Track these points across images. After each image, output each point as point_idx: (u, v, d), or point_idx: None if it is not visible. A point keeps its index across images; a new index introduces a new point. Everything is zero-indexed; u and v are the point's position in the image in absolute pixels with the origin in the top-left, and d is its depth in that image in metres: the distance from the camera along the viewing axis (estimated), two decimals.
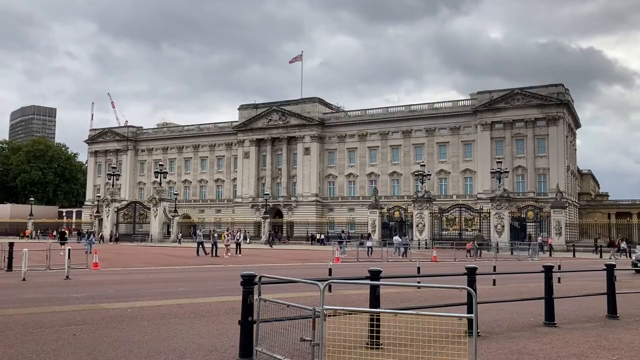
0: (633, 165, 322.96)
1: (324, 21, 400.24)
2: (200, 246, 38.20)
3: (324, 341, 6.09)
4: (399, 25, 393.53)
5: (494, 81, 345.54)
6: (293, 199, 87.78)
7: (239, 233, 41.27)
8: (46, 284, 17.84)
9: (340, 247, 39.79)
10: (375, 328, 7.51)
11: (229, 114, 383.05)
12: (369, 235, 54.91)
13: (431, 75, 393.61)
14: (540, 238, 52.34)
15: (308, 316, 6.28)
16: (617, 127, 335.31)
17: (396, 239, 44.71)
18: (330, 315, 7.09)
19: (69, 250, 19.84)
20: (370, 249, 42.10)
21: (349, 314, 7.97)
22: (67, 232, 61.97)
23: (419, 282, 13.68)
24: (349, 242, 51.34)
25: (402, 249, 41.49)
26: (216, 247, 37.22)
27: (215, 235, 39.79)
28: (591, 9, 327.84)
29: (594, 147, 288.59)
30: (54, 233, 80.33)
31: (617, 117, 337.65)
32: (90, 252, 29.92)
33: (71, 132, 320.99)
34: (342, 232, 56.59)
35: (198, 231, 45.06)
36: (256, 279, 7.22)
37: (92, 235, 44.87)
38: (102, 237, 65.35)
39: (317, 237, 69.18)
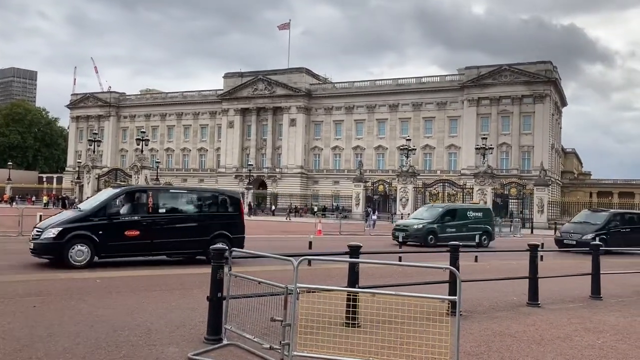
0: (613, 145, 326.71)
1: None
2: None
3: (296, 321, 5.67)
4: None
5: (476, 57, 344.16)
6: (277, 170, 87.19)
7: None
8: (15, 251, 17.18)
9: (367, 220, 40.03)
10: (352, 305, 7.13)
11: (211, 82, 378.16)
12: (375, 209, 54.01)
13: (413, 49, 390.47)
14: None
15: (280, 293, 5.86)
16: (598, 107, 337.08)
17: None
18: (305, 292, 6.67)
19: (40, 216, 19.18)
20: (374, 223, 41.59)
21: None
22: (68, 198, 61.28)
23: (400, 258, 13.36)
24: (331, 214, 51.04)
25: None
26: None
27: None
28: None
29: (575, 125, 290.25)
30: (33, 198, 79.19)
31: (598, 97, 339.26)
32: None
33: (49, 96, 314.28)
34: (369, 206, 56.25)
35: None
36: (227, 253, 6.77)
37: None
38: None
39: (272, 208, 67.76)
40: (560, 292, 12.09)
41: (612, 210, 30.26)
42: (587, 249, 20.90)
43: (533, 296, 10.33)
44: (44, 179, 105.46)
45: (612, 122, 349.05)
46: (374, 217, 44.89)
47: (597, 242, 21.49)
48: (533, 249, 10.48)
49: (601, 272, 11.76)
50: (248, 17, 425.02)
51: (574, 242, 24.30)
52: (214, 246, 6.88)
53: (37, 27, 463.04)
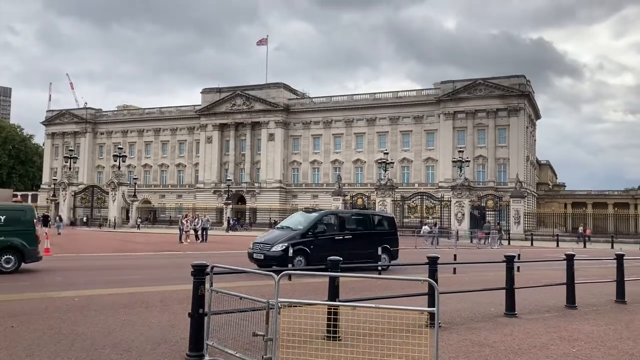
0: (585, 156, 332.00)
1: (278, 5, 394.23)
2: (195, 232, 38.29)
3: (278, 335, 5.73)
4: (352, 10, 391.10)
5: (449, 71, 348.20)
6: (256, 185, 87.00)
7: (196, 219, 39.97)
8: None
9: None
10: (333, 319, 7.20)
11: (186, 98, 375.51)
12: None
13: (387, 64, 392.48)
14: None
15: (262, 308, 5.92)
16: (569, 119, 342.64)
17: (425, 228, 44.20)
18: (286, 306, 6.73)
19: None
20: None
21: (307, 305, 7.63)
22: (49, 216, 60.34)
23: (379, 271, 13.46)
24: None
25: (432, 238, 40.31)
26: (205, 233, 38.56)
27: (206, 220, 40.95)
28: (540, 2, 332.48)
29: (546, 137, 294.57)
30: None
31: (569, 109, 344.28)
32: (60, 234, 40.51)
33: (22, 112, 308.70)
34: None
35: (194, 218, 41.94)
36: (208, 269, 6.81)
37: (61, 219, 49.81)
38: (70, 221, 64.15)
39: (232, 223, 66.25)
40: (537, 302, 12.31)
41: (324, 210, 22.91)
42: (275, 266, 16.06)
43: (510, 307, 10.52)
44: (19, 197, 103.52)
45: (583, 134, 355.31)
46: None
47: (290, 254, 16.60)
48: (509, 260, 10.69)
49: (576, 281, 12.04)
50: (222, 33, 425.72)
51: (262, 257, 17.74)
52: (194, 262, 6.91)
53: (8, 43, 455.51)
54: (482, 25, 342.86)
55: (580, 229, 56.25)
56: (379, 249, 18.73)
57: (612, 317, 10.93)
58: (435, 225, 48.07)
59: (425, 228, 44.30)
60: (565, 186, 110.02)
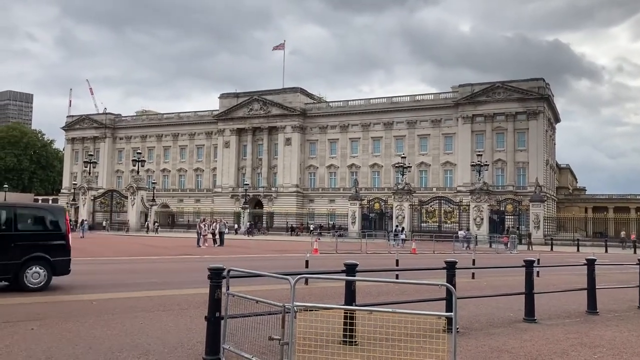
0: (604, 160, 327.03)
1: (292, 9, 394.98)
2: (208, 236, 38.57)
3: (294, 339, 5.69)
4: (366, 14, 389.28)
5: (465, 73, 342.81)
6: (273, 189, 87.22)
7: (214, 224, 40.21)
8: None
9: (394, 240, 41.36)
10: (349, 323, 7.15)
11: (202, 102, 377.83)
12: (403, 228, 53.40)
13: (402, 67, 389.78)
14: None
15: (278, 312, 5.89)
16: (587, 122, 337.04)
17: (461, 233, 46.22)
18: (303, 310, 6.70)
19: None
20: (402, 242, 41.85)
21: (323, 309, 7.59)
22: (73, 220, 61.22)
23: (397, 276, 13.37)
24: (327, 233, 51.17)
25: (466, 243, 41.66)
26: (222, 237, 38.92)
27: (222, 224, 41.41)
28: (557, 4, 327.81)
29: (565, 141, 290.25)
30: None
31: (587, 112, 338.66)
32: (83, 237, 41.84)
33: (41, 118, 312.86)
34: (397, 226, 55.97)
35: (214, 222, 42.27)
36: (224, 273, 6.80)
37: (85, 222, 51.05)
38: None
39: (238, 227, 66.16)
40: (557, 307, 12.12)
41: None
42: None
43: (529, 312, 10.36)
44: (40, 201, 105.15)
45: (602, 137, 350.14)
46: (402, 235, 45.10)
47: None
48: (528, 265, 10.54)
49: (598, 286, 11.83)
50: (236, 37, 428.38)
51: None
52: (211, 266, 6.91)
53: (27, 50, 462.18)
54: (498, 27, 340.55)
55: (623, 233, 55.13)
56: (27, 260, 12.91)
57: (635, 323, 10.71)
58: (468, 230, 49.50)
59: (461, 233, 45.79)
60: (585, 190, 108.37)
